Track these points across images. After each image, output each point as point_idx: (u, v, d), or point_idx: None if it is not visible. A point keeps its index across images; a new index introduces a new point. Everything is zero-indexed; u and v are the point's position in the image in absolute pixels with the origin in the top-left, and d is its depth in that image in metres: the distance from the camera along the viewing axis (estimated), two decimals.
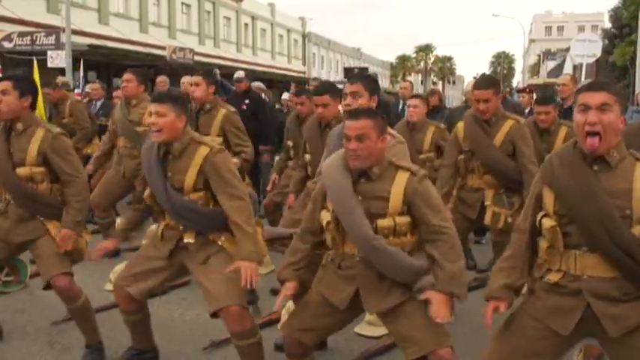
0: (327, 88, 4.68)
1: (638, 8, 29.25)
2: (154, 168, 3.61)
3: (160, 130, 3.52)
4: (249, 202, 3.57)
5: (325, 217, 3.19)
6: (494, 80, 4.95)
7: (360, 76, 4.11)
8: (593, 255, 2.59)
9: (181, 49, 26.43)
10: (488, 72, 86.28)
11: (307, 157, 5.02)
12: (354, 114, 3.15)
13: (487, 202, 4.79)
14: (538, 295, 2.77)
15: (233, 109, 6.01)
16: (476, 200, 4.85)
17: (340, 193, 3.11)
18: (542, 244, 2.72)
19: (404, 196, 3.05)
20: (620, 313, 2.55)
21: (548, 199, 2.70)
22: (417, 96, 6.70)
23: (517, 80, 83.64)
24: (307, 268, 3.34)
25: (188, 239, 3.62)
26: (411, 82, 10.32)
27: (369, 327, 4.59)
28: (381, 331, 4.50)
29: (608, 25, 40.65)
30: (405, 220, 3.05)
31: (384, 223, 3.04)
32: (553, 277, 2.70)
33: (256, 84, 10.71)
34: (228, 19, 38.63)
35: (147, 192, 3.72)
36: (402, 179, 3.08)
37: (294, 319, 3.33)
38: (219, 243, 3.61)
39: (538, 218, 2.74)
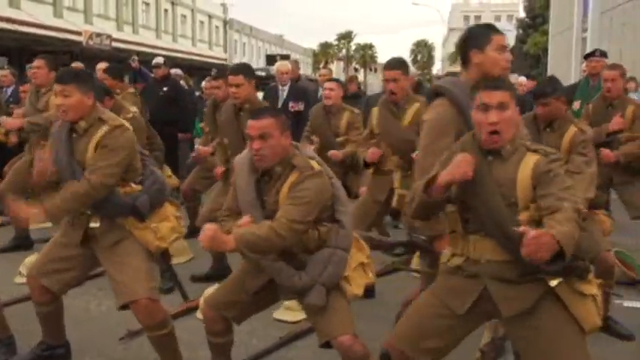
0: (242, 68, 4.69)
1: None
2: (61, 147, 3.54)
3: (66, 110, 3.45)
4: (92, 188, 3.41)
5: None
6: (403, 62, 5.07)
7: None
8: (489, 239, 2.70)
9: (98, 34, 25.69)
10: (408, 60, 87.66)
11: (226, 140, 5.00)
12: (255, 114, 3.18)
13: (395, 185, 4.89)
14: (442, 277, 2.89)
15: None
16: (385, 183, 4.95)
17: (244, 199, 3.17)
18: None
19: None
20: (515, 295, 2.66)
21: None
22: (332, 80, 6.75)
23: (437, 68, 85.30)
24: None
25: (93, 223, 3.55)
26: (330, 70, 10.39)
27: (288, 312, 4.62)
28: (299, 315, 4.55)
29: (522, 15, 41.98)
30: None
31: None
32: (455, 261, 2.82)
33: (175, 71, 10.56)
34: (147, 4, 37.77)
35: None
36: (293, 176, 3.12)
37: (218, 294, 3.37)
38: (127, 227, 3.55)
39: None
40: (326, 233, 3.17)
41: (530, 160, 2.66)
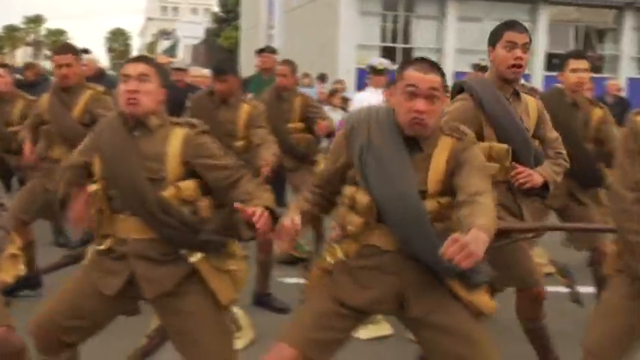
0: None
1: None
2: None
3: None
4: None
5: None
6: (74, 47, 5.01)
7: None
8: (134, 218, 2.72)
9: None
10: (103, 48, 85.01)
11: None
12: None
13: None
14: (93, 259, 2.85)
15: None
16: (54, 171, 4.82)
17: None
18: (91, 210, 2.77)
19: None
20: (159, 276, 2.72)
21: (96, 164, 2.79)
22: (1, 65, 6.34)
23: None
24: None
25: None
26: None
27: None
28: None
29: (217, 9, 43.01)
30: None
31: None
32: (105, 244, 2.79)
33: None
34: None
35: None
36: None
37: None
38: None
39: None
40: None
41: (178, 134, 2.76)
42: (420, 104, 2.42)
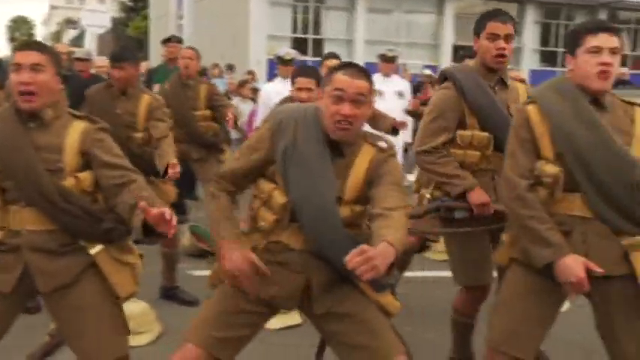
0: None
1: None
2: None
3: None
4: None
5: None
6: None
7: None
8: (30, 209, 2.64)
9: None
10: (5, 37, 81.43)
11: None
12: None
13: None
14: None
15: None
16: None
17: None
18: None
19: None
20: (55, 269, 2.64)
21: None
22: None
23: None
24: None
25: None
26: None
27: None
28: None
29: None
30: None
31: None
32: None
33: None
34: None
35: None
36: None
37: None
38: None
39: None
40: None
41: (77, 127, 2.68)
42: (345, 108, 2.44)
